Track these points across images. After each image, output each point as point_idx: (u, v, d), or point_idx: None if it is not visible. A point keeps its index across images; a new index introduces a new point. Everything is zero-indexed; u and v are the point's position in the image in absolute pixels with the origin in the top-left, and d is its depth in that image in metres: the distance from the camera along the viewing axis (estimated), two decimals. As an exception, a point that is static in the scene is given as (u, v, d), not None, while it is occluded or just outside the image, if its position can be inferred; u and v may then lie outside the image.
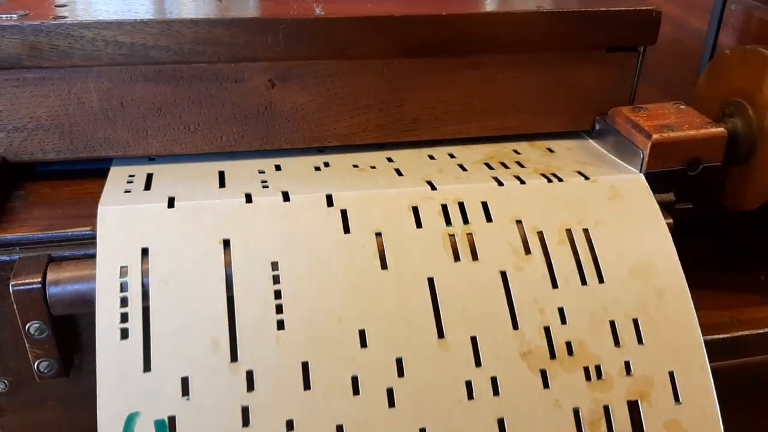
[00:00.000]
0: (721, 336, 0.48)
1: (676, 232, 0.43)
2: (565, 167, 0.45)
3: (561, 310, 0.39)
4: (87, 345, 0.39)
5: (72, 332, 0.38)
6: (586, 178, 0.43)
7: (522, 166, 0.45)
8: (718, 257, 0.56)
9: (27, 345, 0.37)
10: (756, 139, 0.48)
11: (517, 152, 0.47)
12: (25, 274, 0.36)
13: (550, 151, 0.47)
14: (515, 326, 0.38)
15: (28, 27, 0.38)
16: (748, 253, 0.54)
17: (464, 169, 0.44)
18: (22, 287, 0.35)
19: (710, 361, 0.48)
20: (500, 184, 0.42)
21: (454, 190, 0.41)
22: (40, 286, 0.35)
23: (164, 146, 0.42)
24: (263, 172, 0.43)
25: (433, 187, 0.41)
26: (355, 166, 0.44)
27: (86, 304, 0.36)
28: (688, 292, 0.41)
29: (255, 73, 0.42)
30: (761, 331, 0.48)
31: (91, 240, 0.38)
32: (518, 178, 0.43)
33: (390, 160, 0.45)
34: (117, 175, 0.42)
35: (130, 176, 0.42)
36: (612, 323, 0.40)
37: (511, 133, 0.48)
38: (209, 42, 0.40)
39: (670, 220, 0.42)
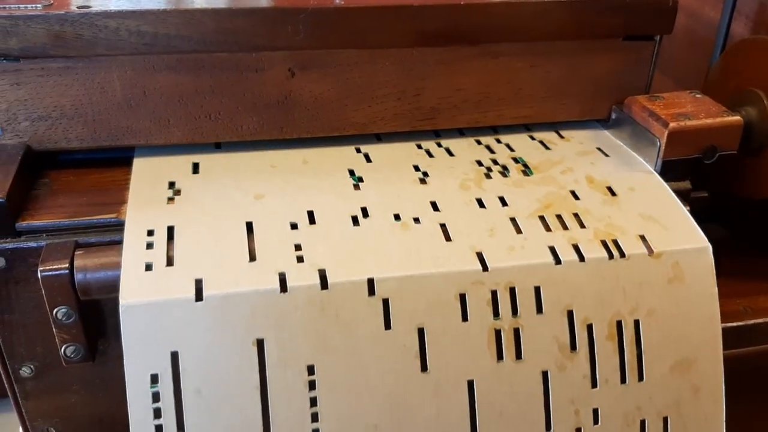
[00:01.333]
0: (734, 324, 0.48)
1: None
2: (628, 228, 0.40)
3: (595, 411, 0.38)
4: (112, 331, 0.39)
5: (98, 318, 0.39)
6: (650, 250, 0.39)
7: (582, 224, 0.40)
8: (731, 245, 0.56)
9: (54, 330, 0.37)
10: (770, 128, 0.48)
11: (575, 195, 0.42)
12: (53, 260, 0.36)
13: (612, 193, 0.43)
14: (548, 427, 0.38)
15: (54, 17, 0.38)
16: (762, 241, 0.55)
17: (518, 229, 0.40)
18: (50, 273, 0.36)
19: (723, 348, 0.48)
20: (557, 260, 0.38)
21: (507, 272, 0.37)
22: (67, 271, 0.36)
23: (185, 135, 0.43)
24: (296, 227, 0.38)
25: (485, 267, 0.37)
26: (397, 217, 0.40)
27: (112, 289, 0.36)
28: (723, 386, 0.40)
29: (275, 63, 0.42)
30: (774, 319, 0.48)
31: (116, 227, 0.38)
32: (577, 249, 0.39)
33: (435, 207, 0.41)
34: (134, 233, 0.37)
35: (149, 235, 0.37)
36: (642, 422, 0.39)
37: (527, 122, 0.48)
38: (230, 31, 0.40)
39: (688, 207, 0.42)
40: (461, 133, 0.48)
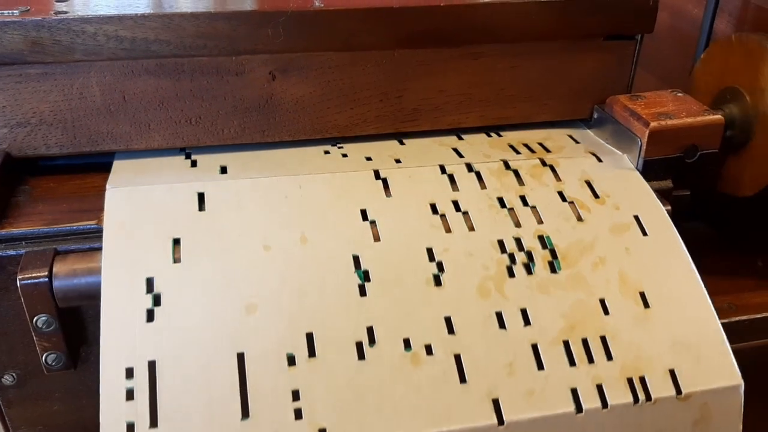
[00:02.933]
0: (720, 321, 0.48)
1: (673, 218, 0.43)
2: (657, 359, 0.37)
3: None
4: (93, 337, 0.39)
5: (79, 325, 0.39)
6: (679, 391, 0.37)
7: (609, 355, 0.36)
8: (716, 242, 0.57)
9: (35, 338, 0.37)
10: (752, 125, 0.48)
11: (605, 307, 0.38)
12: (32, 268, 0.36)
13: (645, 304, 0.39)
14: None
15: (30, 23, 0.38)
16: (746, 238, 0.55)
17: (540, 363, 0.36)
18: (29, 281, 0.36)
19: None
20: (579, 408, 0.35)
21: (524, 426, 0.34)
22: (46, 279, 0.36)
23: (166, 140, 0.43)
24: (293, 363, 0.35)
25: (501, 420, 0.34)
26: (407, 345, 0.36)
27: (93, 296, 0.36)
28: None
29: (256, 66, 0.42)
30: (759, 315, 0.49)
31: (96, 233, 0.38)
32: (600, 391, 0.35)
33: (450, 327, 0.36)
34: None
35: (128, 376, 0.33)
36: None
37: (510, 122, 0.48)
38: (210, 35, 0.40)
39: (668, 207, 0.43)
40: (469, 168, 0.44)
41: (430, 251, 0.39)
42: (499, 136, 0.48)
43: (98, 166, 0.43)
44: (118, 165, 0.43)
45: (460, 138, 0.47)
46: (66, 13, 0.39)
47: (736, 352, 0.49)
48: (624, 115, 0.45)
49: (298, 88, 0.43)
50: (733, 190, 0.51)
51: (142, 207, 0.39)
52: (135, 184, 0.40)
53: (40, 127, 0.41)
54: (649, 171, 0.44)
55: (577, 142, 0.47)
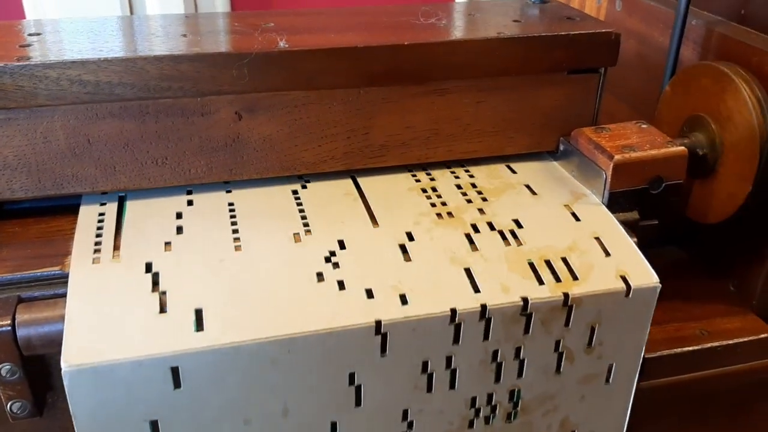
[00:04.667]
0: (692, 348, 0.49)
1: (642, 247, 0.43)
2: None
3: None
4: (59, 384, 0.38)
5: (44, 372, 0.38)
6: None
7: None
8: (688, 267, 0.57)
9: (-1, 387, 0.37)
10: (719, 153, 0.49)
11: None
12: (-5, 317, 0.36)
13: None
14: None
15: (-8, 69, 0.38)
16: (718, 261, 0.55)
17: None
18: (-8, 330, 0.35)
19: (682, 373, 0.49)
20: None
21: None
22: (9, 328, 0.35)
23: (132, 181, 0.43)
24: None
25: None
26: None
27: (57, 344, 0.36)
28: None
29: (221, 106, 0.42)
30: (731, 342, 0.49)
31: (60, 279, 0.38)
32: None
33: None
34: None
35: None
36: None
37: (478, 156, 0.48)
38: (174, 78, 0.40)
39: (635, 238, 0.43)
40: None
41: (405, 412, 0.39)
42: (515, 238, 0.42)
43: (64, 208, 0.43)
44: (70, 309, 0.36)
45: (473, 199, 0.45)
46: (28, 58, 0.39)
47: (708, 379, 0.50)
48: (589, 148, 0.46)
49: (265, 127, 0.43)
50: (701, 217, 0.52)
51: (111, 390, 0.34)
52: (96, 355, 0.34)
53: (4, 171, 0.41)
54: (614, 203, 0.44)
55: (608, 255, 0.41)
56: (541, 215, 0.44)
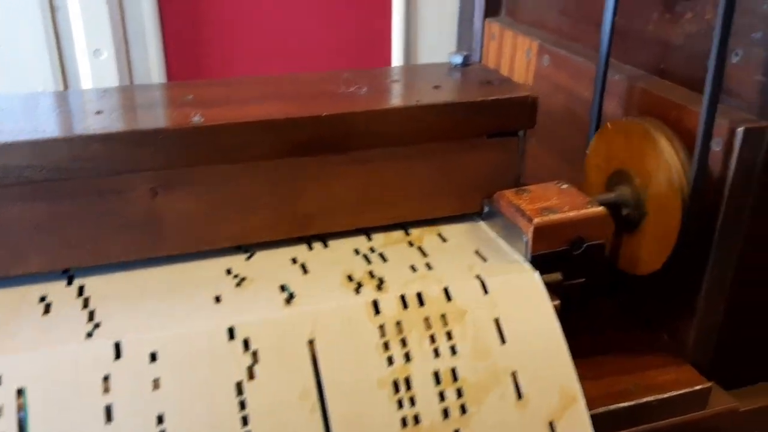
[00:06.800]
0: (626, 404, 0.49)
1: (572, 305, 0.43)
2: None
3: None
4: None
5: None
6: None
7: None
8: (624, 319, 0.58)
9: None
10: (644, 207, 0.50)
11: None
12: None
13: None
14: None
15: None
16: (652, 313, 0.56)
17: None
18: None
19: (617, 430, 0.49)
20: None
21: None
22: None
23: (45, 264, 0.41)
24: None
25: None
26: None
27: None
28: None
29: (137, 184, 0.41)
30: (666, 395, 0.49)
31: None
32: None
33: None
34: None
35: None
36: None
37: (404, 221, 0.48)
38: (86, 158, 0.40)
39: (557, 302, 0.43)
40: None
41: None
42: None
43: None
44: None
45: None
46: (-70, 144, 0.38)
47: (644, 434, 0.50)
48: (510, 211, 0.46)
49: (184, 202, 0.43)
50: (631, 269, 0.52)
51: None
52: None
53: None
54: (537, 265, 0.45)
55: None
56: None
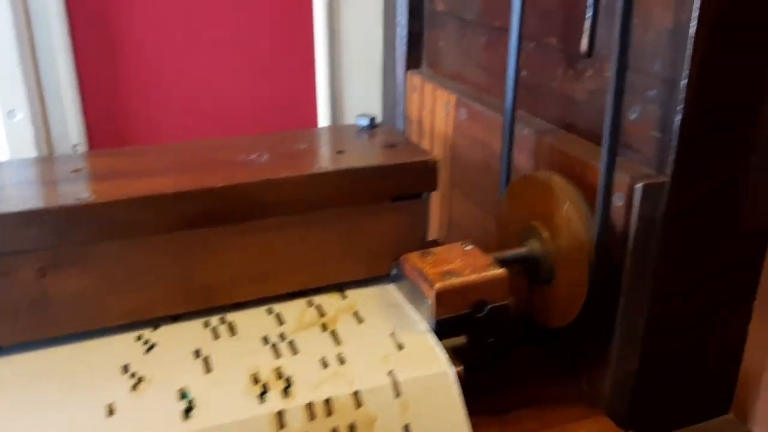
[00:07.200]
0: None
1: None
2: None
3: None
4: None
5: None
6: None
7: None
8: (546, 368, 0.58)
9: None
10: (553, 261, 0.50)
11: None
12: None
13: None
14: None
15: None
16: (571, 362, 0.56)
17: None
18: None
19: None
20: None
21: None
22: None
23: (-76, 352, 0.40)
24: None
25: None
26: None
27: None
28: None
29: (22, 265, 0.40)
30: (581, 450, 0.49)
31: None
32: None
33: None
34: None
35: None
36: None
37: (311, 287, 0.48)
38: (-35, 242, 0.39)
39: (461, 367, 0.43)
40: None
41: None
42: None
43: None
44: None
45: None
46: None
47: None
48: (414, 274, 0.46)
49: (74, 281, 0.42)
50: (546, 321, 0.52)
51: None
52: None
53: None
54: (441, 329, 0.44)
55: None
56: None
